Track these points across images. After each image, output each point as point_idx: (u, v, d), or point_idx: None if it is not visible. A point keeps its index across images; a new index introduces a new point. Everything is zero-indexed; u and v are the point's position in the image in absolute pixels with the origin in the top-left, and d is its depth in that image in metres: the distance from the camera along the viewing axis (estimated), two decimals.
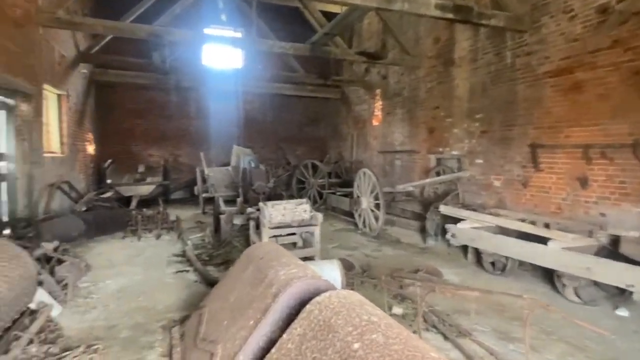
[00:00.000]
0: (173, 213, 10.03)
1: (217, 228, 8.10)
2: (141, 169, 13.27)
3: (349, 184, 11.33)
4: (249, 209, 6.99)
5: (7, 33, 6.60)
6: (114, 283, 5.51)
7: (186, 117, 14.77)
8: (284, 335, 2.63)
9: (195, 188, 11.96)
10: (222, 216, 7.76)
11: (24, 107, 7.74)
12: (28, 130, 7.76)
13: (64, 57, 9.90)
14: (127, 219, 8.69)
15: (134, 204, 11.11)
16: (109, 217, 8.56)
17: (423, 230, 8.07)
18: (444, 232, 7.07)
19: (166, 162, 13.93)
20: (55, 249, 5.52)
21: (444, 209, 7.30)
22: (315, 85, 14.10)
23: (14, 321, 3.73)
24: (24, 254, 4.10)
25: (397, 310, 4.24)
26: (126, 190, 11.70)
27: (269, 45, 9.72)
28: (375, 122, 12.71)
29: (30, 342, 3.59)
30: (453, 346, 3.73)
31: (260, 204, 6.24)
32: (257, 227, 6.53)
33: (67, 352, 3.52)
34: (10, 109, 7.56)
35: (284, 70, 13.60)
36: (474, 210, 6.97)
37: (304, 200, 6.47)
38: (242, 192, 8.79)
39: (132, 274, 5.89)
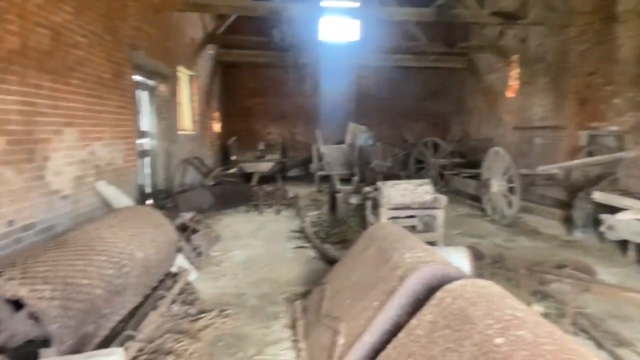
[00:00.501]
0: (290, 190, 10.54)
1: (332, 207, 8.30)
2: (261, 146, 14.19)
3: (474, 164, 10.65)
4: (366, 189, 6.99)
5: (148, 19, 7.47)
6: (241, 254, 6.01)
7: (302, 95, 15.29)
8: (413, 321, 2.57)
9: (311, 166, 12.39)
10: (338, 195, 7.91)
11: (162, 88, 8.75)
12: (166, 110, 8.78)
13: (194, 39, 10.90)
14: (250, 194, 9.39)
15: (254, 180, 11.96)
16: (234, 192, 9.35)
17: (568, 220, 7.22)
18: (595, 223, 6.24)
19: (284, 139, 14.66)
20: (191, 219, 6.20)
21: (598, 196, 6.41)
22: (439, 54, 13.41)
23: (160, 282, 4.29)
24: (167, 222, 4.68)
25: (537, 308, 3.88)
26: (248, 167, 12.63)
27: (390, 13, 9.44)
28: (509, 94, 11.61)
29: (173, 301, 4.11)
30: (610, 356, 3.28)
31: (379, 183, 6.19)
32: (374, 207, 6.51)
33: (203, 314, 3.94)
34: (151, 90, 8.62)
35: (404, 40, 13.14)
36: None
37: (426, 180, 6.24)
38: (358, 171, 8.84)
39: (256, 247, 6.36)
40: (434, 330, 2.39)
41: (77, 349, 2.71)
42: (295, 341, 3.49)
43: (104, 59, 5.81)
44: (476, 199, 9.15)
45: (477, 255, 5.10)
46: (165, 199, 7.63)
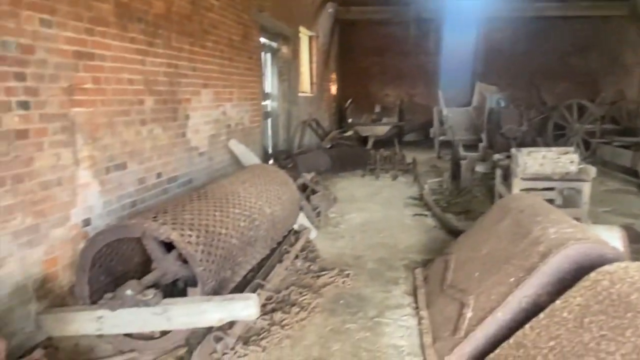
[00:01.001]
0: (407, 155, 10.32)
1: (455, 174, 7.94)
2: (377, 109, 14.05)
3: (632, 132, 9.25)
4: (496, 156, 6.52)
5: None
6: (358, 217, 6.11)
7: (424, 53, 14.60)
8: (557, 302, 2.37)
9: (431, 130, 11.94)
10: (462, 162, 7.52)
11: (284, 50, 9.04)
12: (287, 71, 9.08)
13: None
14: (366, 158, 9.42)
15: (370, 143, 11.94)
16: (350, 155, 9.47)
17: None
18: None
19: (402, 102, 14.27)
20: (312, 180, 6.45)
21: None
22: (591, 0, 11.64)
23: (283, 237, 4.57)
24: (290, 181, 4.92)
25: None
26: (363, 130, 12.62)
27: None
28: None
29: (296, 257, 4.36)
30: None
31: (513, 150, 5.71)
32: (505, 177, 6.05)
33: (324, 272, 4.12)
34: (273, 52, 8.95)
35: None
36: None
37: (570, 149, 5.59)
38: (486, 136, 8.27)
39: (372, 211, 6.41)
40: (584, 314, 2.17)
41: (216, 291, 3.03)
42: (416, 309, 3.48)
43: (234, 21, 6.16)
44: (631, 172, 7.99)
45: (633, 237, 4.48)
46: (285, 159, 8.03)
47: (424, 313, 3.33)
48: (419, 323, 3.24)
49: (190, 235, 2.94)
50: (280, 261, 4.12)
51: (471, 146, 9.31)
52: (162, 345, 2.92)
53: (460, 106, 11.91)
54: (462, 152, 8.12)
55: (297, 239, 4.71)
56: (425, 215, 6.15)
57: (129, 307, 2.74)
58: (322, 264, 4.42)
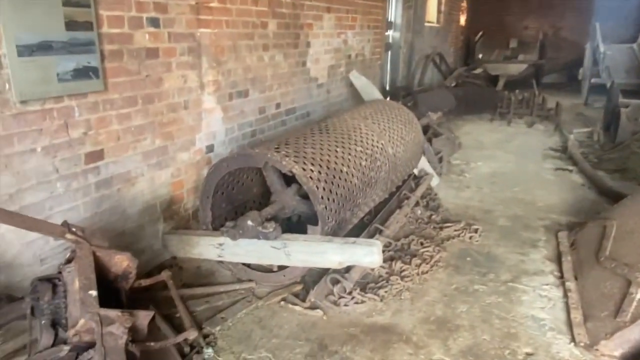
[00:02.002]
0: (548, 99, 9.17)
1: (609, 125, 6.86)
2: (513, 44, 12.59)
3: None
4: None
5: None
6: (485, 166, 5.61)
7: None
8: None
9: (580, 71, 10.42)
10: (622, 110, 6.43)
11: None
12: None
13: None
14: (495, 100, 8.56)
15: (500, 84, 10.84)
16: (478, 96, 8.68)
17: None
18: None
19: (544, 36, 12.57)
20: (437, 120, 6.01)
21: None
22: None
23: (403, 182, 4.33)
24: (415, 121, 4.58)
25: None
26: (494, 69, 11.46)
27: None
28: None
29: (416, 204, 4.12)
30: None
31: None
32: None
33: (448, 224, 3.83)
34: None
35: None
36: None
37: None
38: None
39: (503, 161, 5.84)
40: None
41: (335, 232, 2.94)
42: (560, 278, 3.08)
43: None
44: None
45: None
46: (405, 97, 7.58)
47: (571, 285, 2.93)
48: (565, 295, 2.86)
49: (312, 170, 2.83)
50: (400, 207, 3.91)
51: (632, 92, 7.94)
52: (279, 280, 2.95)
53: (622, 42, 10.12)
54: (621, 98, 6.94)
55: (417, 185, 4.44)
56: (570, 171, 5.43)
57: (249, 237, 2.76)
58: (445, 214, 4.13)
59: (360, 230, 3.46)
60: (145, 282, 2.34)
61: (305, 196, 2.97)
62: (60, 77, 2.35)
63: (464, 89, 9.02)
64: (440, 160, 5.30)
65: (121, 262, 2.01)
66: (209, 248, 2.95)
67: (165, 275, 2.48)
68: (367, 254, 2.53)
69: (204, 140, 3.52)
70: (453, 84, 9.56)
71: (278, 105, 4.44)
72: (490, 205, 4.42)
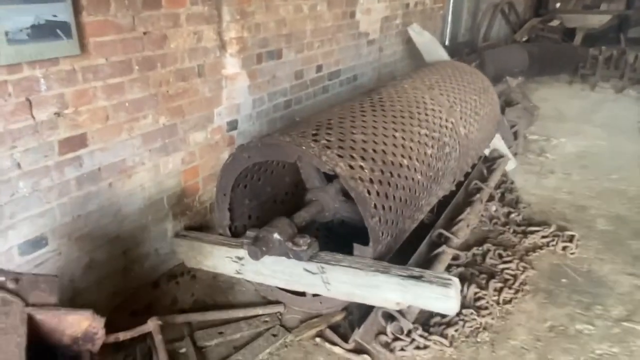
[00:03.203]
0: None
1: None
2: None
3: None
4: None
5: None
6: (570, 144, 4.65)
7: None
8: None
9: None
10: None
11: None
12: None
13: None
14: (577, 58, 7.34)
15: (578, 39, 9.42)
16: (555, 54, 7.45)
17: None
18: None
19: None
20: (518, 87, 5.04)
21: None
22: None
23: (472, 166, 3.51)
24: (492, 89, 3.69)
25: None
26: (569, 20, 9.97)
27: None
28: None
29: (490, 197, 3.31)
30: None
31: None
32: None
33: (534, 228, 3.02)
34: None
35: None
36: None
37: None
38: None
39: (592, 137, 4.85)
40: None
41: (389, 247, 2.23)
42: None
43: None
44: None
45: None
46: (469, 54, 6.54)
47: None
48: None
49: (362, 168, 2.09)
50: (469, 203, 3.12)
51: None
52: (314, 307, 2.29)
53: None
54: None
55: (490, 171, 3.61)
56: None
57: (276, 255, 2.10)
58: (526, 212, 3.32)
59: (416, 235, 2.71)
60: (124, 336, 1.73)
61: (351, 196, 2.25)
62: (10, 38, 1.69)
63: (538, 44, 7.80)
64: (516, 136, 4.40)
65: (79, 323, 1.39)
66: (225, 261, 2.32)
67: (152, 325, 1.85)
68: (439, 297, 1.81)
69: (225, 115, 2.83)
70: (524, 39, 8.32)
71: (319, 68, 3.65)
72: (583, 199, 3.55)
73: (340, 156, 2.07)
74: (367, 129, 2.34)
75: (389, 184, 2.18)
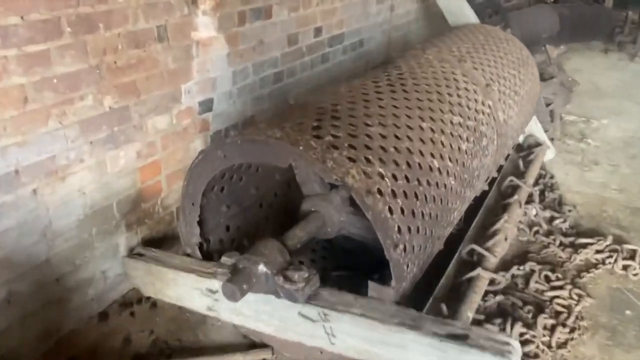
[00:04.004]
0: None
1: None
2: None
3: None
4: None
5: None
6: (614, 126, 4.22)
7: None
8: None
9: None
10: None
11: None
12: None
13: None
14: (612, 23, 6.83)
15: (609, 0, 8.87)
16: (587, 17, 6.92)
17: None
18: None
19: None
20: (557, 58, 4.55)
21: None
22: None
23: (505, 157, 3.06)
24: (531, 61, 3.20)
25: None
26: None
27: None
28: None
29: (529, 198, 2.88)
30: None
31: None
32: None
33: (587, 240, 2.61)
34: None
35: None
36: None
37: None
38: None
39: (638, 117, 4.40)
40: None
41: (412, 284, 1.79)
42: None
43: None
44: None
45: None
46: (490, 17, 5.99)
47: None
48: None
49: (381, 176, 1.63)
50: (504, 207, 2.68)
51: None
52: (312, 357, 1.86)
53: None
54: None
55: (526, 163, 3.16)
56: None
57: (262, 292, 1.65)
58: (572, 216, 2.89)
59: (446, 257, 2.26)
60: None
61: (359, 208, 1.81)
62: None
63: (569, 5, 7.23)
64: (552, 117, 3.94)
65: None
66: (194, 294, 1.87)
67: None
68: None
69: (196, 93, 2.34)
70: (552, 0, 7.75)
71: (318, 32, 3.14)
72: (637, 196, 3.14)
73: (351, 160, 1.60)
74: (386, 119, 1.87)
75: (416, 196, 1.72)
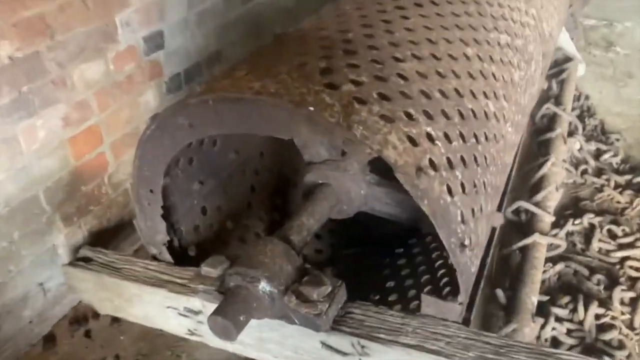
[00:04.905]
0: None
1: None
2: None
3: None
4: None
5: None
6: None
7: None
8: None
9: None
10: None
11: None
12: None
13: None
14: None
15: None
16: None
17: None
18: None
19: None
20: None
21: None
22: None
23: None
24: None
25: None
26: None
27: None
28: None
29: (570, 129, 2.42)
30: None
31: None
32: None
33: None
34: None
35: None
36: None
37: None
38: None
39: None
40: None
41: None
42: None
43: None
44: None
45: None
46: None
47: None
48: None
49: (431, 139, 1.12)
50: (545, 143, 2.22)
51: None
52: None
53: None
54: None
55: (559, 84, 2.68)
56: None
57: (268, 317, 1.18)
58: (622, 147, 2.46)
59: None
60: None
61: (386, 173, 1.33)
62: None
63: None
64: (575, 22, 3.41)
65: None
66: (167, 314, 1.39)
67: None
68: None
69: (139, 25, 1.74)
70: None
71: None
72: None
73: (387, 119, 1.08)
74: (420, 48, 1.32)
75: (475, 160, 1.22)
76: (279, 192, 2.03)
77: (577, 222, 1.99)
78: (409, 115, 1.12)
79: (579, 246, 1.92)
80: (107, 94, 1.67)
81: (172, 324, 1.41)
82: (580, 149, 2.37)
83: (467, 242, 1.10)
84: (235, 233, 1.81)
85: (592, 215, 2.00)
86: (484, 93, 1.38)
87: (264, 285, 1.14)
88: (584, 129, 2.55)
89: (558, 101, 2.51)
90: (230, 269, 1.20)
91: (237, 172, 1.80)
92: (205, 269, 1.30)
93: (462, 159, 1.18)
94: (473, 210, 1.17)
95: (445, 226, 1.05)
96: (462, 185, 1.15)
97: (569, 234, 1.96)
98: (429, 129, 1.13)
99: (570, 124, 2.42)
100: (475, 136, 1.26)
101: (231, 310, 1.11)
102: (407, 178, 1.01)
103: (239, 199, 1.81)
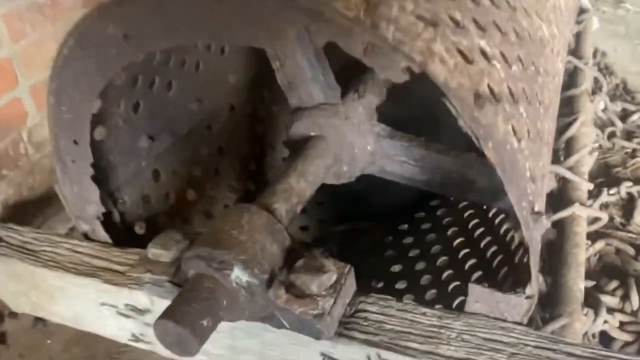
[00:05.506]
0: None
1: None
2: None
3: None
4: None
5: None
6: None
7: None
8: None
9: None
10: None
11: None
12: None
13: None
14: None
15: None
16: None
17: None
18: None
19: None
20: None
21: None
22: None
23: None
24: None
25: None
26: None
27: None
28: None
29: (594, 87, 2.12)
30: None
31: None
32: None
33: None
34: None
35: None
36: None
37: None
38: None
39: None
40: None
41: None
42: None
43: None
44: None
45: None
46: None
47: None
48: None
49: (486, 57, 0.77)
50: (569, 100, 1.91)
51: None
52: None
53: None
54: None
55: (576, 36, 2.38)
56: None
57: (245, 319, 0.83)
58: None
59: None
60: None
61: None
62: None
63: None
64: None
65: None
66: (103, 313, 1.03)
67: None
68: None
69: None
70: None
71: None
72: None
73: (429, 22, 0.72)
74: None
75: (536, 96, 0.89)
76: (254, 156, 1.68)
77: (612, 191, 1.70)
78: (456, 22, 0.77)
79: (618, 220, 1.63)
80: (22, 18, 1.26)
81: (110, 327, 1.05)
82: (605, 109, 2.08)
83: (536, 207, 0.77)
84: (199, 206, 1.45)
85: (629, 184, 1.72)
86: (536, 12, 1.04)
87: (238, 274, 0.79)
88: (609, 87, 2.27)
89: (576, 55, 2.21)
90: (189, 250, 0.84)
91: (201, 127, 1.43)
92: (153, 251, 0.94)
93: (524, 91, 0.84)
94: (539, 165, 0.84)
95: (515, 183, 0.71)
96: (528, 131, 0.81)
97: (603, 206, 1.67)
98: (482, 43, 0.78)
99: (595, 79, 2.12)
100: (534, 64, 0.92)
101: (190, 311, 0.75)
102: (465, 107, 0.66)
103: (203, 162, 1.44)
